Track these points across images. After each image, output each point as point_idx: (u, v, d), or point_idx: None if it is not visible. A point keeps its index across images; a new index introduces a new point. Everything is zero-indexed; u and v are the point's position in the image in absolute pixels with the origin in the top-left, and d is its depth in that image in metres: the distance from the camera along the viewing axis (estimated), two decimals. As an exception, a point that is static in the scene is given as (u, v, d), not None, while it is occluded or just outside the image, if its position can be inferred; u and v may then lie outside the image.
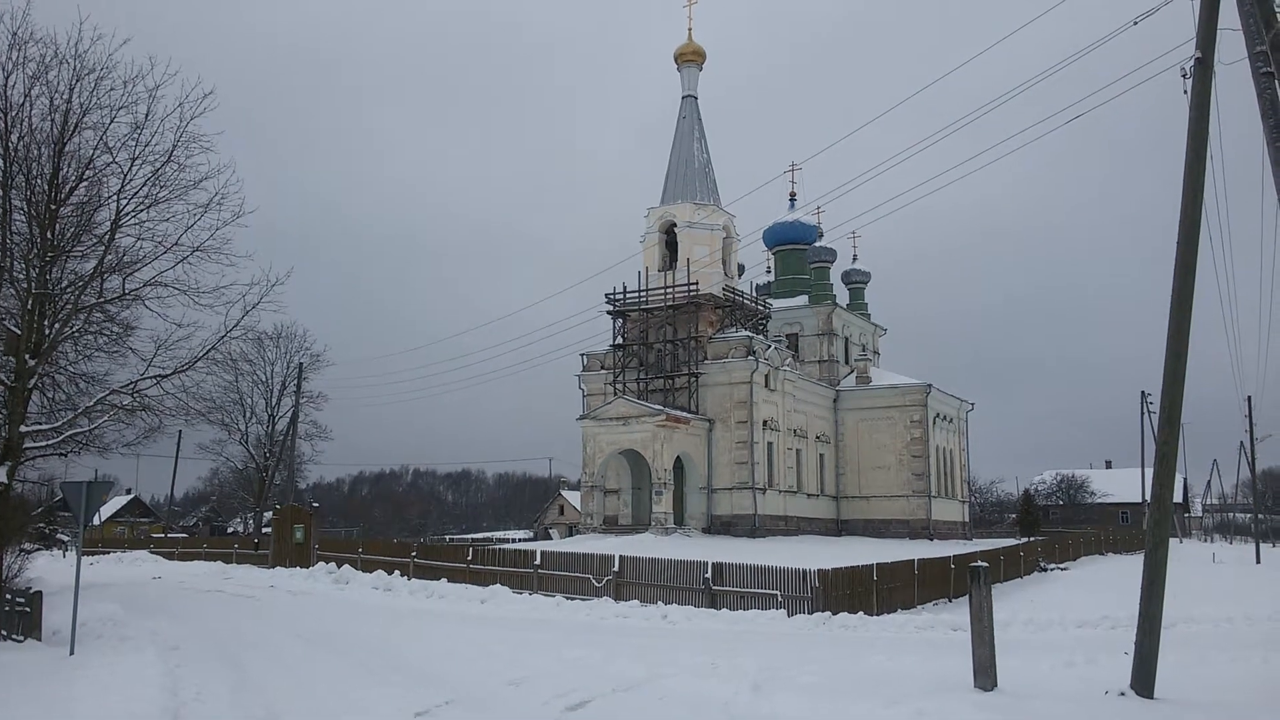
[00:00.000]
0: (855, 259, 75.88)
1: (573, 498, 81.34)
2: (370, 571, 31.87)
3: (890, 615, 22.59)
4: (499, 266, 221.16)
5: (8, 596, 18.49)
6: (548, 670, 14.43)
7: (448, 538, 77.24)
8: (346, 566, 33.01)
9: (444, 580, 28.95)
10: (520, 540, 60.52)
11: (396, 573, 31.24)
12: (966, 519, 71.39)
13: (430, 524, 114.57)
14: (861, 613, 21.85)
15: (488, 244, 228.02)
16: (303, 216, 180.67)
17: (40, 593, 18.84)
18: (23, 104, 20.29)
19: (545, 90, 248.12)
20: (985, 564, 13.53)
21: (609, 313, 56.50)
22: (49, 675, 14.04)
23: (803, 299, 68.00)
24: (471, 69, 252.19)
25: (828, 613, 21.38)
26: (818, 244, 69.58)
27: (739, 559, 24.94)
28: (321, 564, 34.81)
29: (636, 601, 23.96)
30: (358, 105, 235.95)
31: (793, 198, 72.87)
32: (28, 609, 18.07)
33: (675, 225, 56.51)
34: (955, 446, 69.19)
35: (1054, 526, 79.51)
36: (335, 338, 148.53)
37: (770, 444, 54.66)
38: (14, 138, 20.30)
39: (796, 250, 71.47)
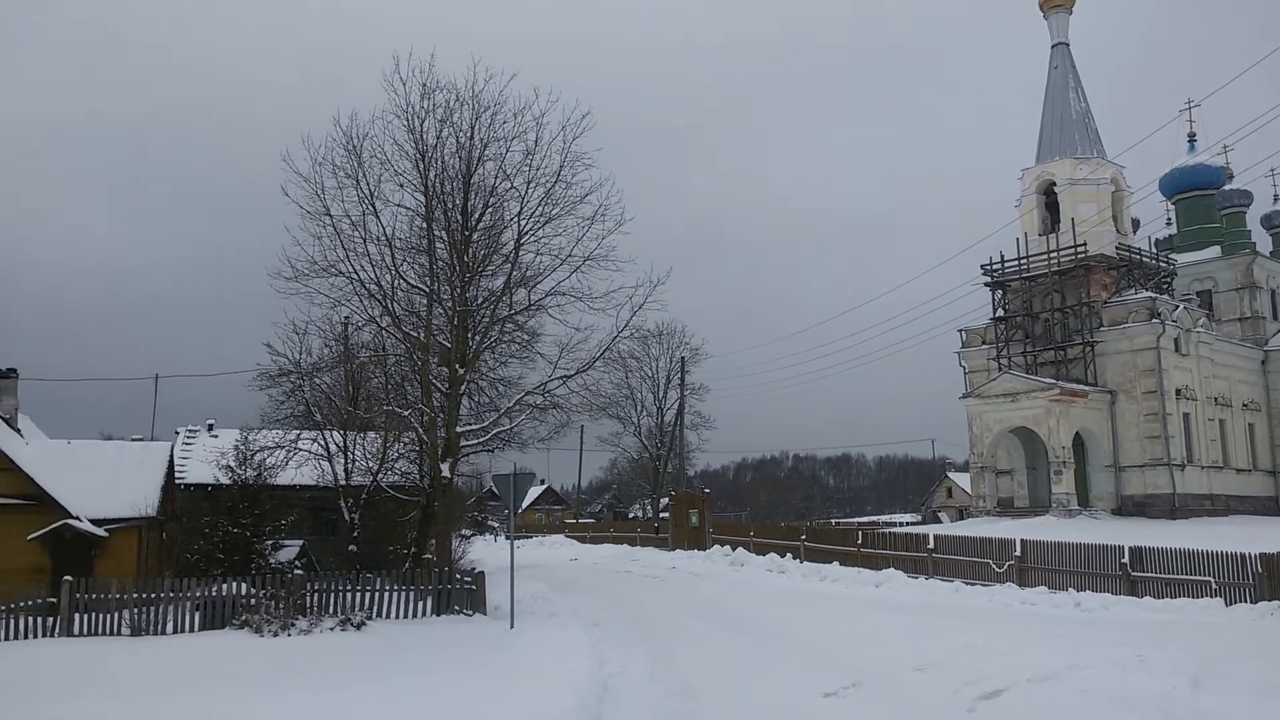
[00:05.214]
0: (1277, 199, 66.02)
1: (960, 479, 78.16)
2: (762, 554, 32.77)
3: (1359, 606, 19.40)
4: (870, 249, 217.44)
5: (457, 576, 21.16)
6: (954, 657, 14.01)
7: (833, 521, 77.44)
8: (740, 549, 34.20)
9: (835, 563, 29.06)
10: (908, 524, 59.31)
11: (788, 555, 31.87)
12: None
13: (814, 508, 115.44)
14: (1320, 603, 19.00)
15: (857, 229, 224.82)
16: (678, 217, 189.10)
17: (483, 573, 21.42)
18: (435, 145, 23.14)
19: (898, 64, 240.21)
20: None
21: (987, 284, 53.73)
22: (497, 645, 15.91)
23: (1214, 250, 60.40)
24: (810, 53, 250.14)
25: (1276, 602, 18.82)
26: (1227, 187, 61.40)
27: (1160, 542, 22.71)
28: (716, 546, 36.37)
29: (1044, 588, 22.60)
30: (706, 105, 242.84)
31: (1192, 139, 64.72)
32: (474, 587, 20.61)
33: (1055, 184, 52.55)
34: None
35: None
36: (713, 331, 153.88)
37: (1186, 415, 49.17)
38: (431, 175, 23.19)
39: (1202, 197, 63.45)
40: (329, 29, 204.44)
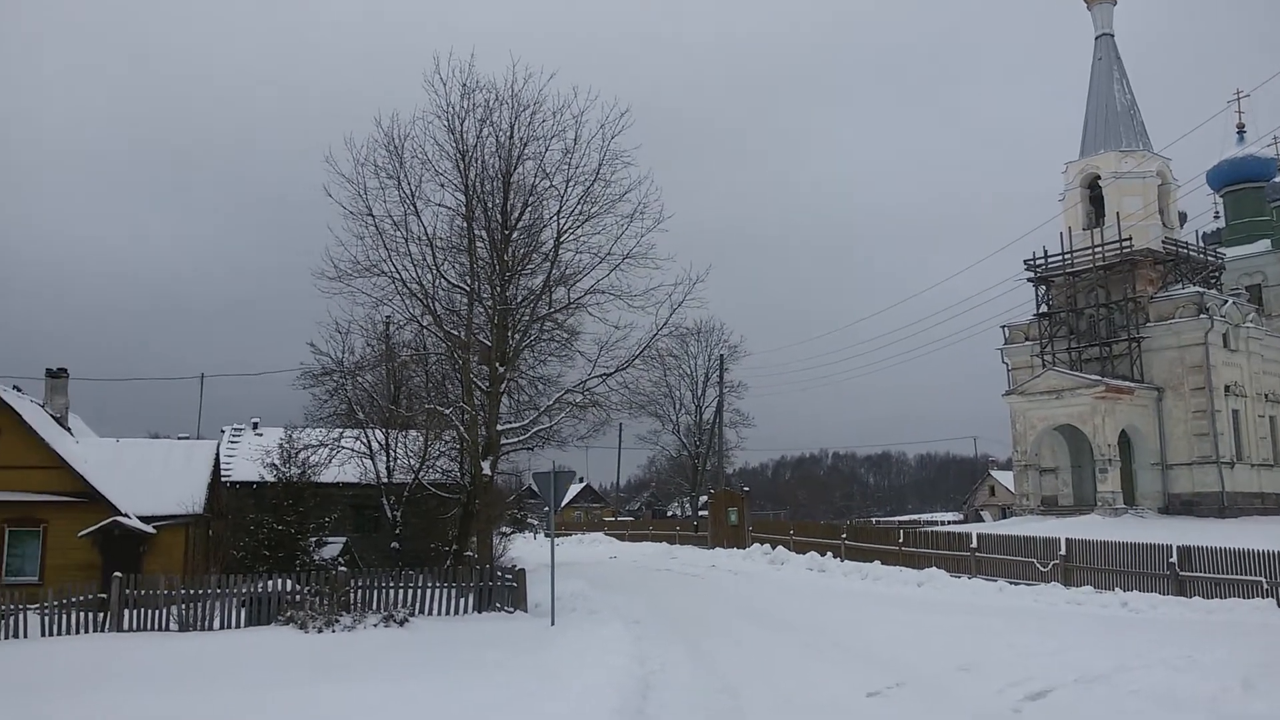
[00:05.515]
0: (1331, 191, 64.41)
1: (1003, 478, 77.30)
2: (802, 552, 32.58)
3: None
4: (911, 245, 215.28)
5: (498, 573, 21.27)
6: (998, 657, 13.84)
7: (874, 520, 76.91)
8: (780, 548, 34.03)
9: (876, 562, 28.79)
10: (950, 522, 58.76)
11: (828, 554, 31.64)
12: None
13: (854, 506, 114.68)
14: (1377, 604, 18.55)
15: (897, 225, 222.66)
16: (716, 214, 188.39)
17: (524, 570, 21.50)
18: (475, 144, 23.28)
19: (935, 58, 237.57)
20: None
21: (1030, 280, 53.05)
22: (539, 642, 15.97)
23: (1263, 244, 59.09)
24: (852, 52, 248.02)
25: (1330, 603, 18.41)
26: (1278, 180, 60.06)
27: (1209, 541, 22.30)
28: (756, 545, 36.25)
29: (1090, 588, 22.24)
30: (753, 102, 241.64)
31: (1241, 130, 63.36)
32: (515, 584, 20.71)
33: (1100, 178, 51.70)
34: None
35: None
36: (751, 329, 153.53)
37: (1235, 412, 48.20)
38: (471, 174, 23.33)
39: (1251, 189, 62.14)
40: (366, 34, 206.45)
